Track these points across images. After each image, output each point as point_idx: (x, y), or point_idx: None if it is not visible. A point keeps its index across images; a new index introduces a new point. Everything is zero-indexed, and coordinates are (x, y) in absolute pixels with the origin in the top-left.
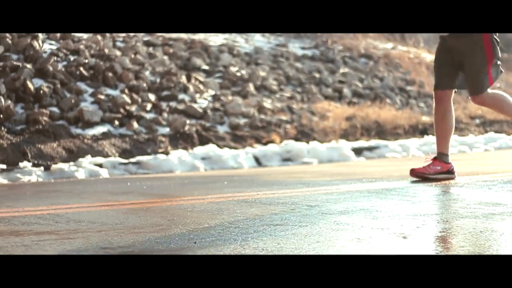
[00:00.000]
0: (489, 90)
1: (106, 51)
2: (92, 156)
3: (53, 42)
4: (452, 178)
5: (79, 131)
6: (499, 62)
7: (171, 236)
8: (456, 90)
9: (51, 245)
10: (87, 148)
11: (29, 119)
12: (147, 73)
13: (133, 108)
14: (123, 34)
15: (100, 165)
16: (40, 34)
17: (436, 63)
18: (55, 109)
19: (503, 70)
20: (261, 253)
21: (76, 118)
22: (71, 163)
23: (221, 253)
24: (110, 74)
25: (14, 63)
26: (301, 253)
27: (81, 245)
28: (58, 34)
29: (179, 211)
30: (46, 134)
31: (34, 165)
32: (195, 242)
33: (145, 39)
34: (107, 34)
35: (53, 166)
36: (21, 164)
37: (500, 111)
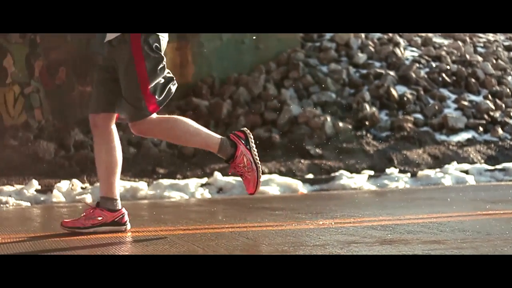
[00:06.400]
0: (155, 116)
1: (468, 56)
2: (457, 163)
3: (414, 49)
4: (122, 230)
5: (443, 137)
6: (162, 80)
7: None
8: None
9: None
10: (452, 155)
11: (393, 125)
12: (509, 78)
13: (497, 114)
14: (483, 39)
15: (466, 172)
16: (401, 41)
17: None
18: (419, 116)
19: (173, 88)
20: None
21: (440, 124)
22: (437, 169)
23: None
24: (473, 80)
25: (377, 70)
26: None
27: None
28: (419, 41)
29: None
30: (411, 140)
31: (400, 171)
32: None
33: (506, 43)
34: (468, 40)
35: (420, 173)
36: (387, 171)
37: (178, 141)
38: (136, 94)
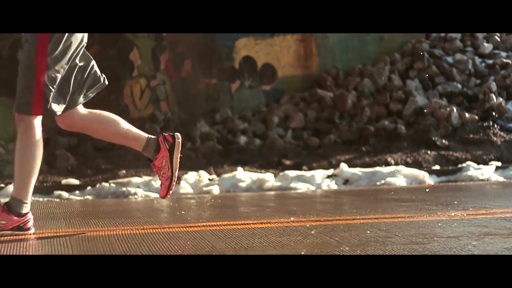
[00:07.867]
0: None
1: None
2: None
3: None
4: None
5: None
6: (55, 75)
7: None
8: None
9: None
10: None
11: None
12: None
13: None
14: None
15: None
16: None
17: None
18: None
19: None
20: None
21: None
22: None
23: None
24: None
25: (504, 60)
26: None
27: None
28: None
29: None
30: None
31: None
32: None
33: None
34: None
35: None
36: None
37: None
38: (29, 85)
